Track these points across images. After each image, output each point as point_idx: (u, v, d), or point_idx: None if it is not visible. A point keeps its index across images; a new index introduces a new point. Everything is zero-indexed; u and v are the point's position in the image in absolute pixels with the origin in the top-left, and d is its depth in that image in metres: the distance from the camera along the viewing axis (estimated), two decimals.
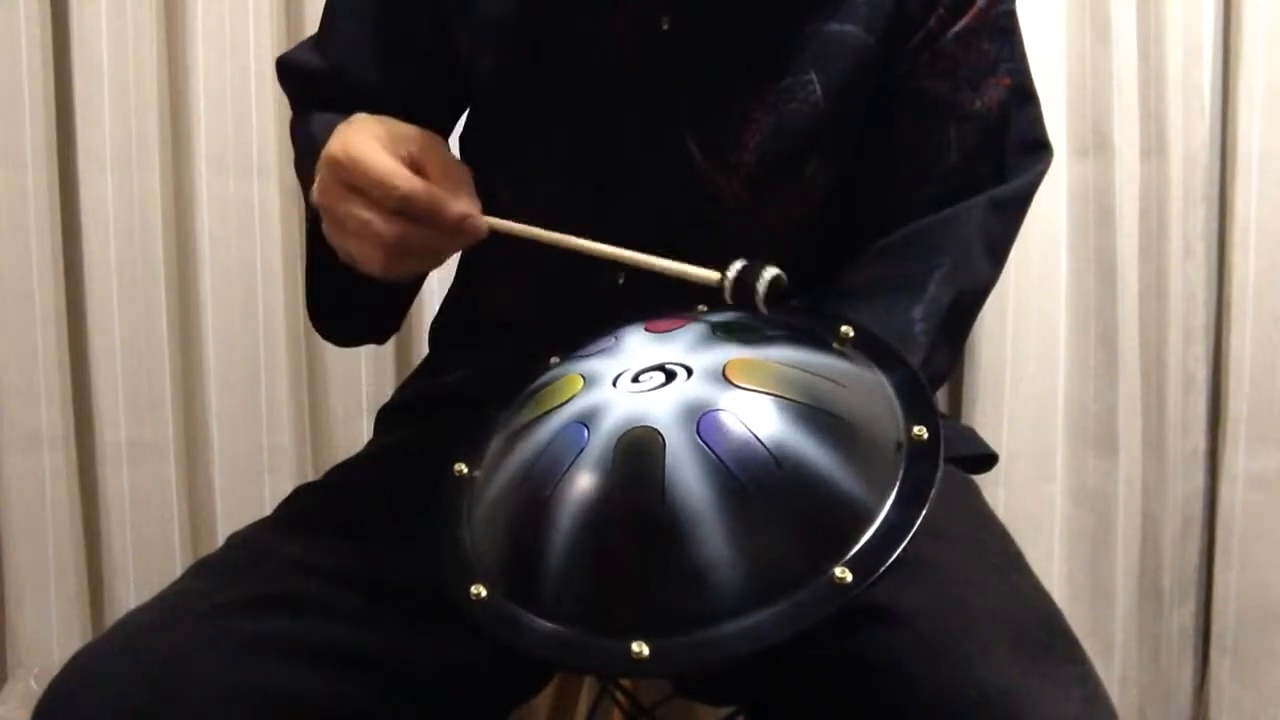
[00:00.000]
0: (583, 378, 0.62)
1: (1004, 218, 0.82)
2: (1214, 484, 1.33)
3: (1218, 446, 1.32)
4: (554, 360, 0.70)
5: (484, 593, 0.60)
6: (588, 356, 0.65)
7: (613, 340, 0.66)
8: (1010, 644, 0.58)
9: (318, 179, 0.67)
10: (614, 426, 0.58)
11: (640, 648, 0.54)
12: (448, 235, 0.66)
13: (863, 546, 0.55)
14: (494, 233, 0.89)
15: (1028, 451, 1.33)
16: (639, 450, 0.56)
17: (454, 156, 0.67)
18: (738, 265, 0.62)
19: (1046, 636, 0.60)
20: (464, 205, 0.65)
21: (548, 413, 0.61)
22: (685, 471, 0.55)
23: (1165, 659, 1.34)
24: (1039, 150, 0.84)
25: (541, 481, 0.58)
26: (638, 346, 0.64)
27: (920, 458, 0.58)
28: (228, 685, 0.61)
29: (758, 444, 0.56)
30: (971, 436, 0.84)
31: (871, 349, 0.65)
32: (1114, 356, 1.29)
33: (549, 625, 0.57)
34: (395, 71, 0.85)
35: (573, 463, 0.57)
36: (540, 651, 0.57)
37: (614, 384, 0.60)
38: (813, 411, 0.57)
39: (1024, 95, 0.82)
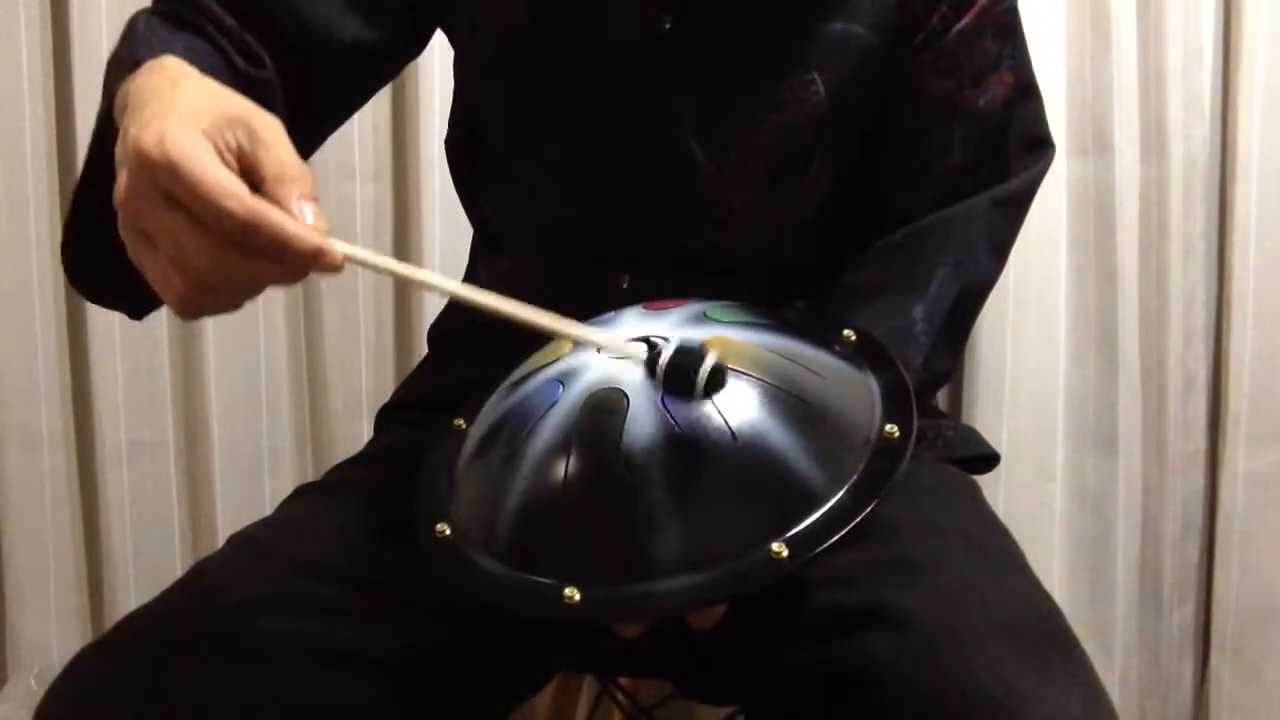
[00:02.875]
0: (572, 343, 0.64)
1: (1006, 216, 0.82)
2: (1214, 484, 1.33)
3: (1218, 447, 1.32)
4: None
5: (447, 531, 0.62)
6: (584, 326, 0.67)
7: (612, 314, 0.68)
8: (1010, 645, 0.58)
9: (123, 176, 0.50)
10: (585, 385, 0.59)
11: (572, 593, 0.56)
12: (290, 270, 0.51)
13: (806, 527, 0.55)
14: (487, 248, 0.90)
15: (1028, 451, 1.33)
16: (603, 409, 0.58)
17: (290, 147, 0.52)
18: (671, 348, 0.58)
19: (1047, 637, 0.60)
20: (315, 232, 0.50)
21: (533, 372, 0.63)
22: (642, 431, 0.56)
23: (1165, 659, 1.34)
24: (1041, 147, 0.84)
25: (513, 433, 0.60)
26: (631, 320, 0.66)
27: (885, 454, 0.58)
28: (228, 685, 0.62)
29: (717, 415, 0.56)
30: (973, 437, 0.84)
31: (870, 353, 0.65)
32: (1114, 356, 1.29)
33: (495, 566, 0.59)
34: (359, 25, 0.75)
35: (541, 416, 0.59)
36: (475, 588, 0.59)
37: (598, 350, 0.62)
38: (781, 394, 0.58)
39: (1027, 92, 0.82)
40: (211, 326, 1.39)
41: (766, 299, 0.75)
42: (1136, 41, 1.26)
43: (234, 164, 0.51)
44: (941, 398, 1.33)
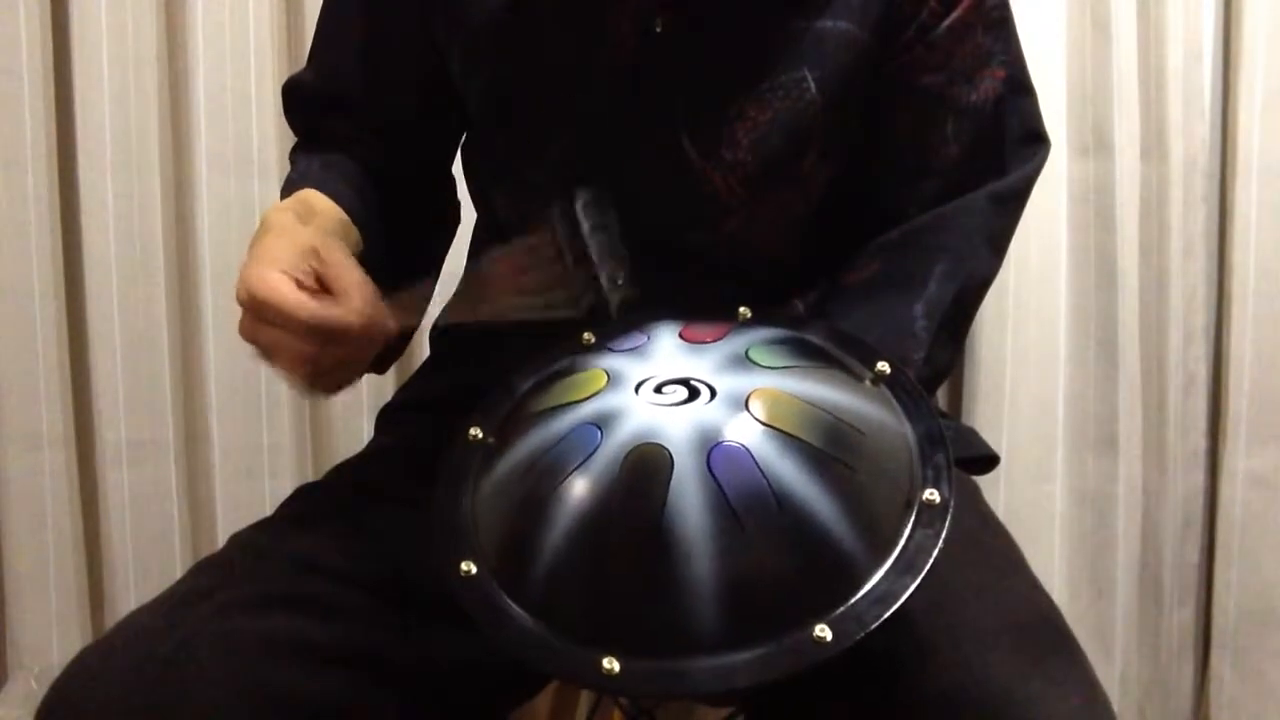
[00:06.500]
0: (607, 375, 0.62)
1: (1004, 211, 0.82)
2: (1214, 484, 1.33)
3: (1218, 446, 1.32)
4: (587, 337, 0.70)
5: (473, 571, 0.60)
6: (617, 352, 0.65)
7: (645, 339, 0.66)
8: (1010, 645, 0.58)
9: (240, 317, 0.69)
10: (626, 437, 0.57)
11: (611, 664, 0.54)
12: (360, 343, 0.67)
13: (848, 608, 0.54)
14: (494, 239, 0.90)
15: (1028, 451, 1.33)
16: (646, 468, 0.56)
17: (347, 261, 0.69)
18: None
19: (1046, 637, 0.60)
20: (366, 311, 0.66)
21: (566, 405, 0.61)
22: (687, 498, 0.55)
23: (1165, 658, 1.34)
24: (1037, 142, 0.84)
25: (547, 477, 0.58)
26: (667, 353, 0.64)
27: (925, 525, 0.57)
28: (230, 685, 0.61)
29: (764, 485, 0.55)
30: (973, 438, 0.84)
31: (903, 393, 0.64)
32: (1114, 356, 1.29)
33: (528, 620, 0.57)
34: (386, 95, 0.86)
35: (579, 466, 0.57)
36: (514, 646, 0.57)
37: (636, 390, 0.60)
38: (827, 460, 0.57)
39: (1019, 87, 0.82)
40: (211, 327, 1.39)
41: (764, 299, 0.75)
42: (1136, 41, 1.26)
43: (312, 283, 0.67)
44: (941, 398, 1.33)
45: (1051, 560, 1.34)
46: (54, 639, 1.42)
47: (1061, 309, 1.31)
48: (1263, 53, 1.24)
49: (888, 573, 0.55)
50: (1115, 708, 0.59)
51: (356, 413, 1.40)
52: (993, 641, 0.58)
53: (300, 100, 0.90)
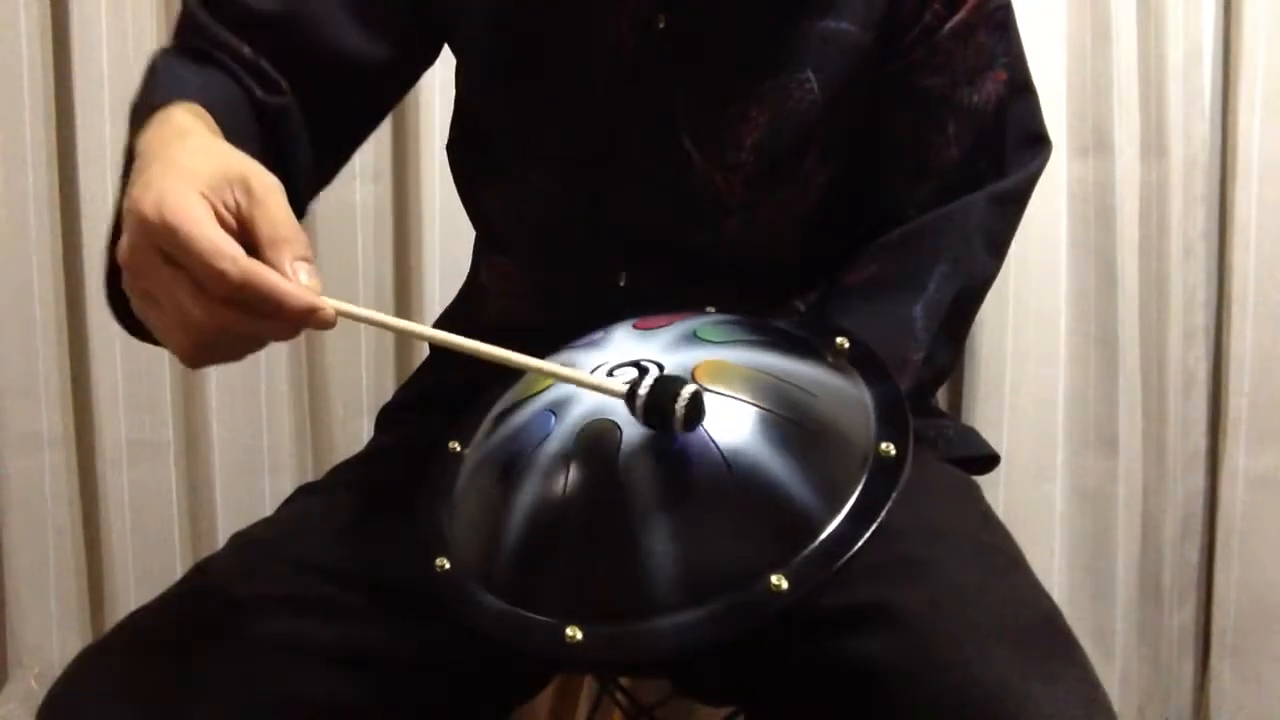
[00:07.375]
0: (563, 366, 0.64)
1: (1004, 213, 0.83)
2: (1214, 484, 1.33)
3: (1218, 446, 1.32)
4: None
5: (447, 565, 0.62)
6: (575, 348, 0.67)
7: (601, 334, 0.67)
8: (1010, 645, 0.58)
9: (126, 237, 0.52)
10: (578, 417, 0.59)
11: (575, 632, 0.56)
12: (286, 326, 0.52)
13: (805, 556, 0.55)
14: (489, 248, 0.89)
15: (1028, 451, 1.33)
16: (597, 442, 0.58)
17: (286, 208, 0.53)
18: (649, 381, 0.56)
19: (1047, 637, 0.60)
20: (308, 292, 0.51)
21: (526, 399, 0.63)
22: (637, 466, 0.56)
23: (1165, 659, 1.34)
24: (1037, 144, 0.84)
25: (507, 465, 0.60)
26: (621, 342, 0.65)
27: (882, 474, 0.58)
28: (230, 685, 0.62)
29: (711, 446, 0.56)
30: (973, 437, 0.84)
31: (863, 363, 0.65)
32: (1114, 356, 1.29)
33: (497, 603, 0.59)
34: (370, 43, 0.78)
35: (535, 449, 0.59)
36: (482, 627, 0.59)
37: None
38: (775, 418, 0.58)
39: (1021, 89, 0.82)
40: None
41: (764, 299, 0.75)
42: (1136, 41, 1.26)
43: (232, 222, 0.52)
44: (941, 398, 1.33)
45: (1051, 560, 1.34)
46: (54, 639, 1.42)
47: (1061, 309, 1.31)
48: (1263, 53, 1.24)
49: (843, 522, 0.56)
50: (1115, 708, 0.59)
51: (356, 413, 1.40)
52: (993, 641, 0.58)
53: (237, 18, 0.72)
